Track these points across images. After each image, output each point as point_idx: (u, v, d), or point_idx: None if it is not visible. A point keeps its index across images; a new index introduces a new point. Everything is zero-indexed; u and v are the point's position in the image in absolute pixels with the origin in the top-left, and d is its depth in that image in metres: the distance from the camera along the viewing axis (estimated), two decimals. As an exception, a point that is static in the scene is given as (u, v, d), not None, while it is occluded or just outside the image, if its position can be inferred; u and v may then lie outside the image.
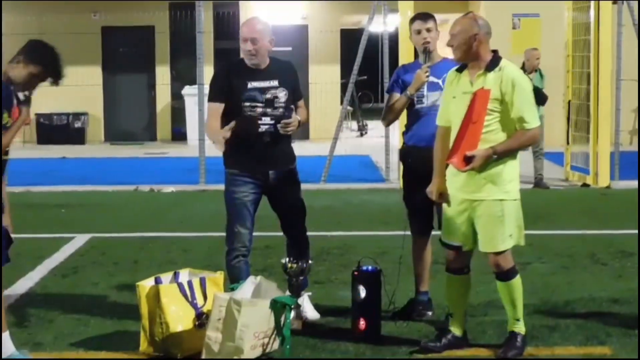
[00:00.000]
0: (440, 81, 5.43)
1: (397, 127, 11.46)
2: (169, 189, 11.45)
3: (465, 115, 4.69)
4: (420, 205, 5.43)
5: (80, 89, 17.36)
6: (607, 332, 5.26)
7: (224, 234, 8.37)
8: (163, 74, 18.06)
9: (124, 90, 18.15)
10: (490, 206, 4.74)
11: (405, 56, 11.08)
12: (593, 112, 11.61)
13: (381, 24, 12.36)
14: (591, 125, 11.67)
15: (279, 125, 5.21)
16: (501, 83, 4.70)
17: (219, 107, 5.25)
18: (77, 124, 17.62)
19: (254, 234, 5.45)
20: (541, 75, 11.31)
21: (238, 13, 17.91)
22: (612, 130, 12.02)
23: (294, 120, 5.25)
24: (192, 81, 16.20)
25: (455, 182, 4.85)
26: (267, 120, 5.23)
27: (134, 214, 9.79)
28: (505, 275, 4.85)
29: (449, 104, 4.88)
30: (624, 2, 11.74)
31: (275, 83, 5.26)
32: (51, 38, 18.69)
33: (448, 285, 5.04)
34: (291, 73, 5.44)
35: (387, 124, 5.94)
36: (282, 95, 5.28)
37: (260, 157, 5.26)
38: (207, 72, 14.58)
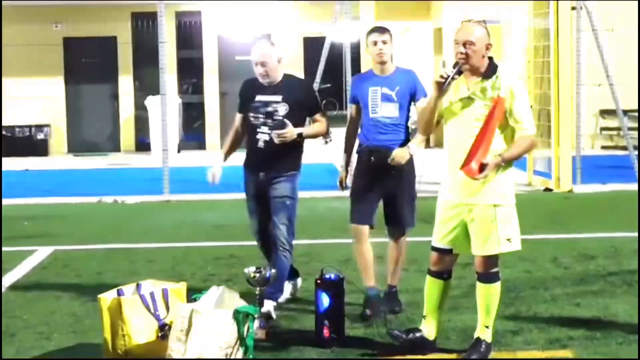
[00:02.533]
0: (393, 93, 5.71)
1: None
2: (132, 199, 11.39)
3: (484, 123, 4.73)
4: (366, 196, 5.83)
5: (42, 101, 17.28)
6: (569, 335, 5.31)
7: (188, 244, 8.52)
8: (126, 85, 17.96)
9: (87, 101, 18.02)
10: (485, 210, 4.79)
11: (369, 64, 11.14)
12: (554, 117, 11.73)
13: (343, 32, 12.39)
14: (553, 130, 11.79)
15: (272, 134, 5.74)
16: (499, 90, 4.76)
17: (239, 117, 6.05)
18: (40, 136, 17.47)
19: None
20: None
21: (200, 22, 17.88)
22: (574, 135, 12.15)
23: (286, 132, 5.70)
24: (156, 91, 16.19)
25: (450, 185, 4.90)
26: (264, 129, 5.82)
27: (97, 226, 9.72)
28: (487, 278, 4.89)
29: (445, 109, 4.91)
30: (582, 7, 11.89)
31: (278, 98, 5.81)
32: (13, 49, 18.58)
33: (426, 287, 5.09)
34: (299, 90, 5.94)
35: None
36: (282, 109, 5.80)
37: (257, 161, 5.88)
38: (169, 81, 14.60)
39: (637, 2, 13.99)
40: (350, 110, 6.16)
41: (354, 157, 6.05)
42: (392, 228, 5.88)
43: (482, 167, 4.68)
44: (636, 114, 15.64)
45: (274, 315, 5.57)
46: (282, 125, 5.74)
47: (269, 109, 5.82)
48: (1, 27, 12.99)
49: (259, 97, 5.87)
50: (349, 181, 6.08)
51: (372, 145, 5.79)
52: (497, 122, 4.74)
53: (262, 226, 5.97)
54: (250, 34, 17.27)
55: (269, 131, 5.79)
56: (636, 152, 12.12)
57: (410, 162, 5.79)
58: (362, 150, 5.89)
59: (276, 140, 5.73)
